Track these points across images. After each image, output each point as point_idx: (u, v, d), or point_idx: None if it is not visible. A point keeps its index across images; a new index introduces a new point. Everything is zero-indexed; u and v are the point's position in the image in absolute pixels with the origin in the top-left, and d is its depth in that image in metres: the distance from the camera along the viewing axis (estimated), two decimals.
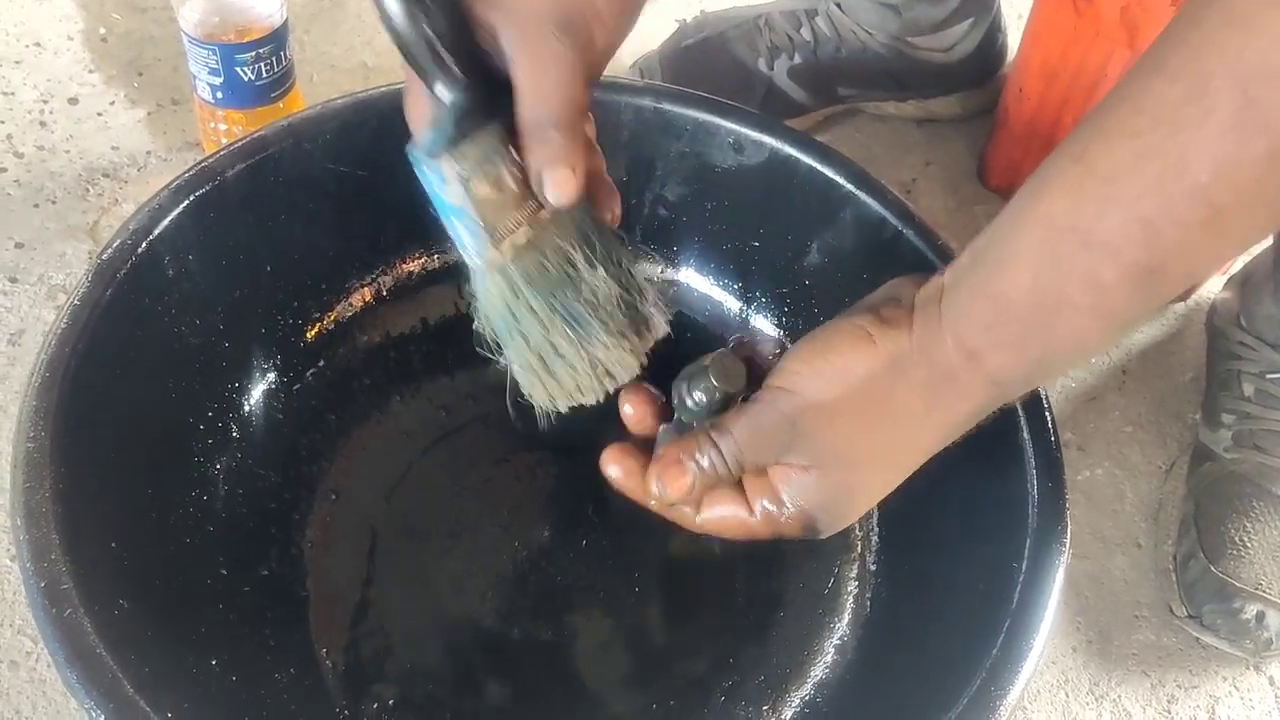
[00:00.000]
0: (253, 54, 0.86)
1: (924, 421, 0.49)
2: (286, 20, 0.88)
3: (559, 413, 0.54)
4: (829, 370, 0.49)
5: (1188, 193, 0.40)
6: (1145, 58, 0.42)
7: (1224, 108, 0.39)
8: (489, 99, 0.49)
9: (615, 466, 0.55)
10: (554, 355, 0.52)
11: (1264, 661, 0.80)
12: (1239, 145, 0.39)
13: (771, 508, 0.53)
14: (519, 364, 0.53)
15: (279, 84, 0.90)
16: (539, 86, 0.49)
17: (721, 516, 0.54)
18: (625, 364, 0.53)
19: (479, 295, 0.52)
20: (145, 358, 0.64)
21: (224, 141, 0.89)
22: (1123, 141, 0.42)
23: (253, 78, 0.87)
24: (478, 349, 0.53)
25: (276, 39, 0.87)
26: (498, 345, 0.53)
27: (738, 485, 0.54)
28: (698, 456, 0.52)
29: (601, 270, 0.51)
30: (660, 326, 0.54)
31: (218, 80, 0.87)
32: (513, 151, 0.49)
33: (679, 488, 0.52)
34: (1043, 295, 0.45)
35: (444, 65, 0.48)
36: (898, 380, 0.49)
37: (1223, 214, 0.40)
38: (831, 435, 0.50)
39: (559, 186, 0.49)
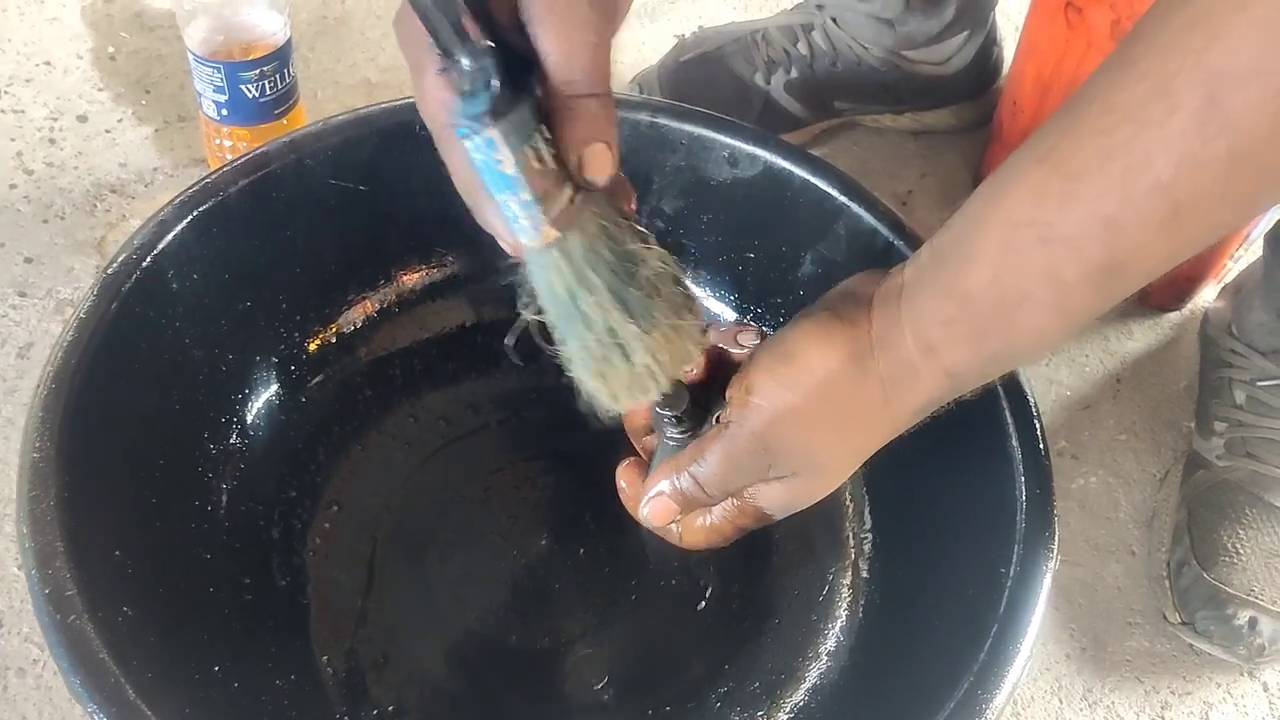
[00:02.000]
0: (257, 71, 0.88)
1: (883, 413, 0.50)
2: (290, 38, 0.89)
3: (616, 412, 0.51)
4: (791, 377, 0.50)
5: (1149, 191, 0.40)
6: (1113, 56, 0.42)
7: (1186, 107, 0.39)
8: (510, 73, 0.44)
9: (625, 481, 0.59)
10: (620, 339, 0.48)
11: (1257, 668, 0.81)
12: (1201, 144, 0.39)
13: (731, 510, 0.55)
14: (580, 352, 0.48)
15: (283, 101, 0.91)
16: (573, 56, 0.45)
17: (694, 530, 0.57)
18: (690, 347, 0.51)
19: (534, 276, 0.48)
20: (149, 369, 0.65)
21: (228, 158, 0.91)
22: (1090, 140, 0.42)
23: (257, 95, 0.89)
24: (512, 345, 0.51)
25: (280, 56, 0.89)
26: (547, 335, 0.49)
27: None
28: (681, 486, 0.54)
29: (657, 249, 0.49)
30: (701, 311, 0.52)
31: (222, 97, 0.89)
32: (543, 128, 0.44)
33: (663, 519, 0.56)
34: (1003, 291, 0.45)
35: (466, 33, 0.43)
36: (858, 377, 0.49)
37: (1183, 213, 0.41)
38: (801, 442, 0.51)
39: (598, 162, 0.45)
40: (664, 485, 0.55)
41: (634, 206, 0.51)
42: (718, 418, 0.53)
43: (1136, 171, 0.41)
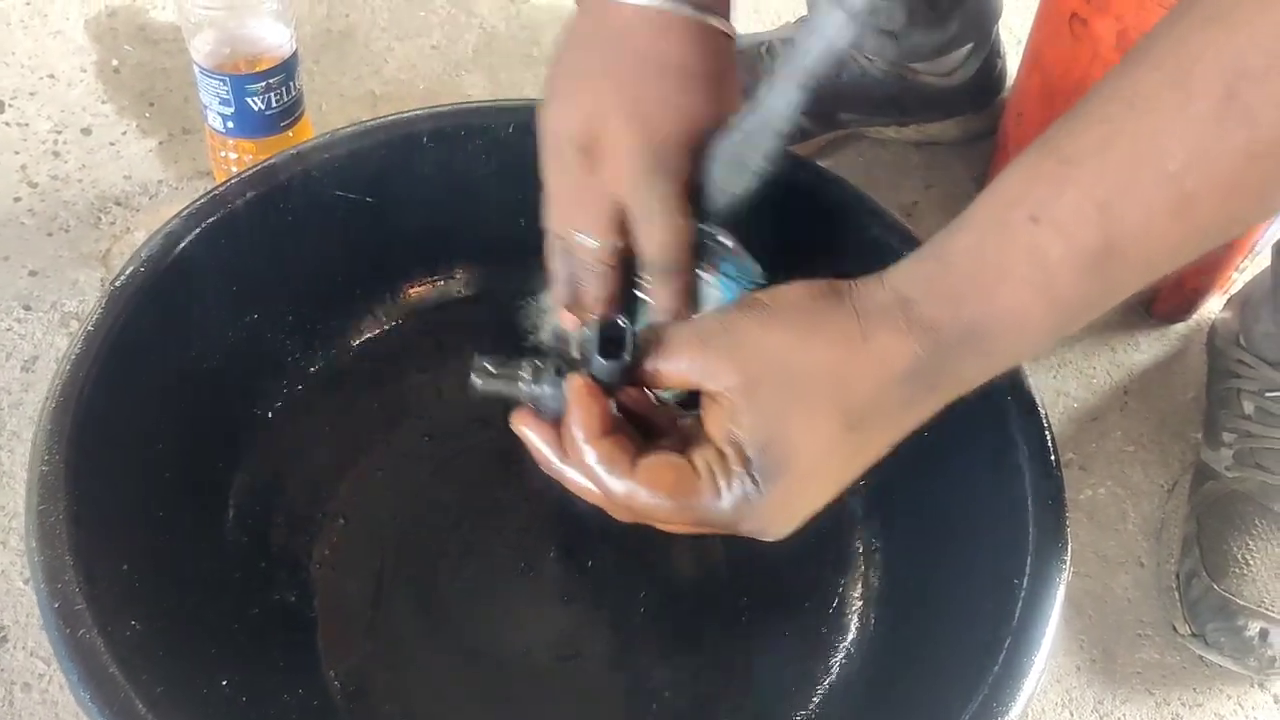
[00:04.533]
0: (263, 84, 0.88)
1: (862, 350, 0.46)
2: (296, 51, 0.89)
3: None
4: (774, 293, 0.48)
5: (1156, 177, 0.40)
6: (1128, 55, 0.42)
7: (1206, 97, 0.39)
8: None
9: (530, 430, 0.52)
10: None
11: (1268, 679, 0.80)
12: (1219, 135, 0.39)
13: (716, 460, 0.47)
14: None
15: (288, 113, 0.91)
16: (653, 239, 0.56)
17: (656, 467, 0.48)
18: None
19: None
20: (157, 382, 0.65)
21: (234, 170, 0.91)
22: (1092, 126, 0.42)
23: (263, 107, 0.89)
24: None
25: (286, 69, 0.89)
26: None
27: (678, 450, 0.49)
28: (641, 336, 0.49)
29: None
30: None
31: (228, 110, 0.89)
32: None
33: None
34: (985, 260, 0.44)
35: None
36: (832, 305, 0.47)
37: (1193, 203, 0.40)
38: (764, 338, 0.47)
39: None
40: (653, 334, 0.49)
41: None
42: None
43: (1145, 157, 0.40)
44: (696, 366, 0.48)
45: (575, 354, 0.51)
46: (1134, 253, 0.42)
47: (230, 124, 0.90)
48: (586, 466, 0.49)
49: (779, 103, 0.56)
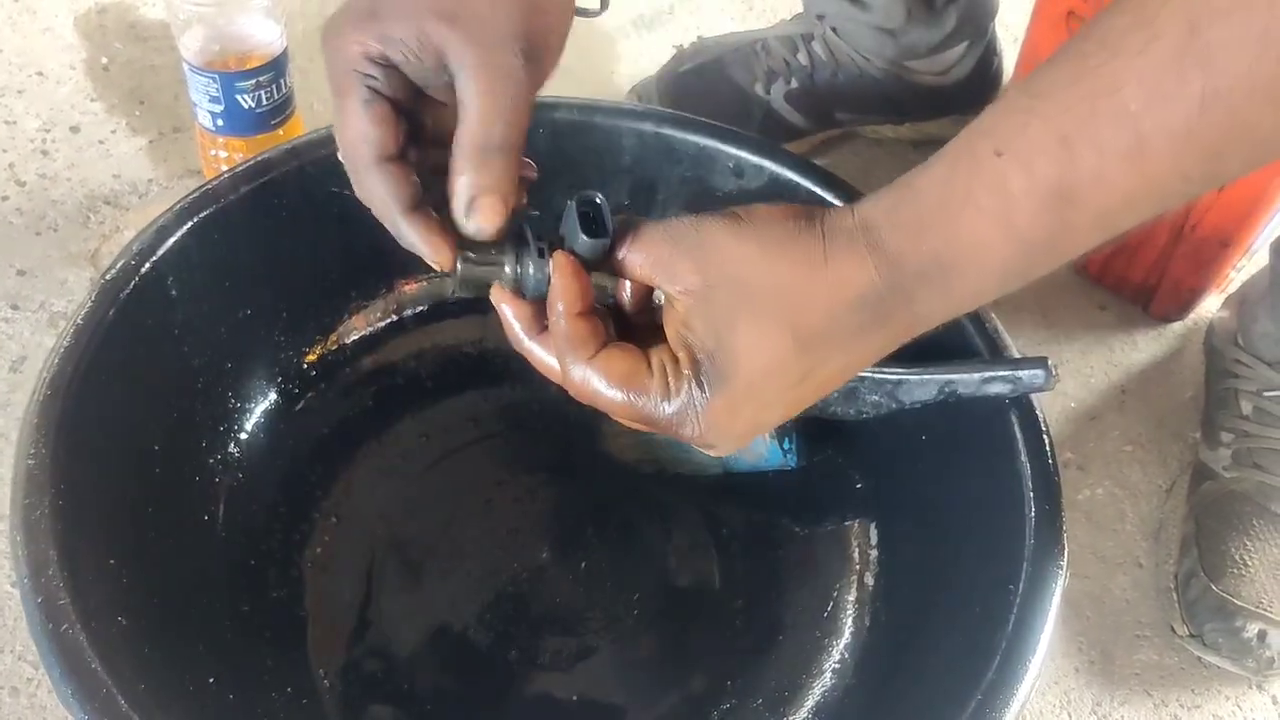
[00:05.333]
0: (253, 82, 0.87)
1: (821, 272, 0.46)
2: (286, 48, 0.88)
3: None
4: (745, 210, 0.48)
5: (1113, 116, 0.40)
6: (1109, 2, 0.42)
7: (1168, 37, 0.39)
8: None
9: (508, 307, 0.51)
10: None
11: (1266, 680, 0.80)
12: (1177, 79, 0.39)
13: (667, 359, 0.48)
14: None
15: (279, 111, 0.90)
16: (493, 108, 0.48)
17: (614, 368, 0.49)
18: None
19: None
20: (147, 377, 0.65)
21: (224, 169, 0.90)
22: (1062, 63, 0.42)
23: (253, 105, 0.88)
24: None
25: (276, 66, 0.88)
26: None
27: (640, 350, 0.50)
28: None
29: None
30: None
31: (218, 108, 0.88)
32: None
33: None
34: (949, 190, 0.44)
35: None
36: (801, 227, 0.47)
37: (1146, 148, 0.40)
38: (727, 244, 0.47)
39: (485, 215, 0.49)
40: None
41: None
42: None
43: (1104, 94, 0.40)
44: (661, 263, 0.48)
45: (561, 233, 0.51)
46: (1088, 196, 0.42)
47: (220, 122, 0.89)
48: (555, 342, 0.50)
49: (916, 390, 0.59)
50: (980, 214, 0.44)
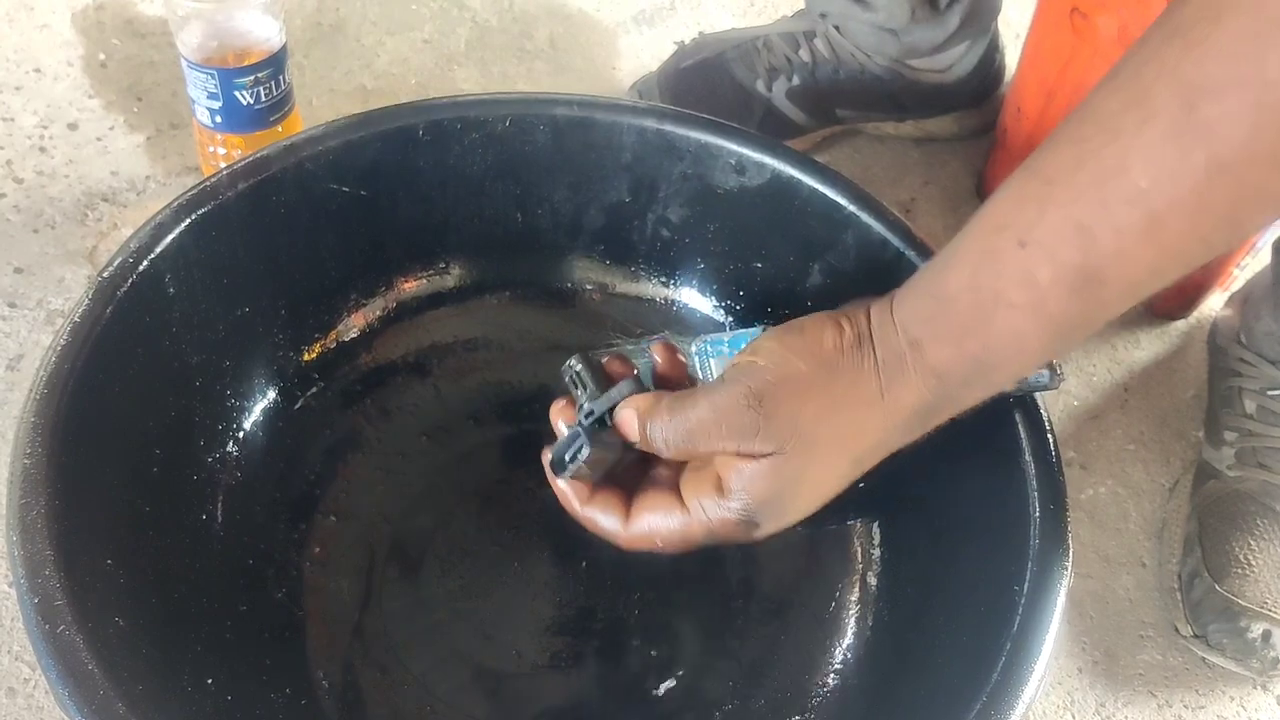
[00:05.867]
0: (251, 78, 0.86)
1: (877, 405, 0.49)
2: (285, 44, 0.88)
3: None
4: (799, 345, 0.50)
5: (1125, 198, 0.40)
6: (1103, 80, 0.43)
7: (1163, 116, 0.39)
8: None
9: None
10: None
11: (1271, 681, 0.80)
12: (1178, 154, 0.39)
13: (710, 503, 0.52)
14: None
15: (278, 108, 0.90)
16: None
17: (653, 524, 0.54)
18: None
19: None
20: (145, 375, 0.64)
21: (222, 166, 0.89)
22: (1067, 147, 0.42)
23: (251, 101, 0.88)
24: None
25: (275, 63, 0.87)
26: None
27: (672, 487, 0.54)
28: (649, 424, 0.52)
29: None
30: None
31: (216, 104, 0.87)
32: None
33: (631, 434, 0.53)
34: (980, 292, 0.45)
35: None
36: (858, 361, 0.49)
37: (1161, 223, 0.40)
38: (799, 412, 0.49)
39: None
40: (634, 414, 0.53)
41: None
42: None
43: (1112, 178, 0.41)
44: (732, 439, 0.50)
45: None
46: (1113, 274, 0.43)
47: (218, 119, 0.89)
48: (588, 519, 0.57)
49: None
50: (1014, 310, 0.45)
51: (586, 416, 0.56)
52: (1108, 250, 0.42)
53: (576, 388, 0.58)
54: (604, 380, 0.58)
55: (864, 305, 0.51)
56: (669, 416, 0.51)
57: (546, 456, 0.58)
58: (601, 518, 0.55)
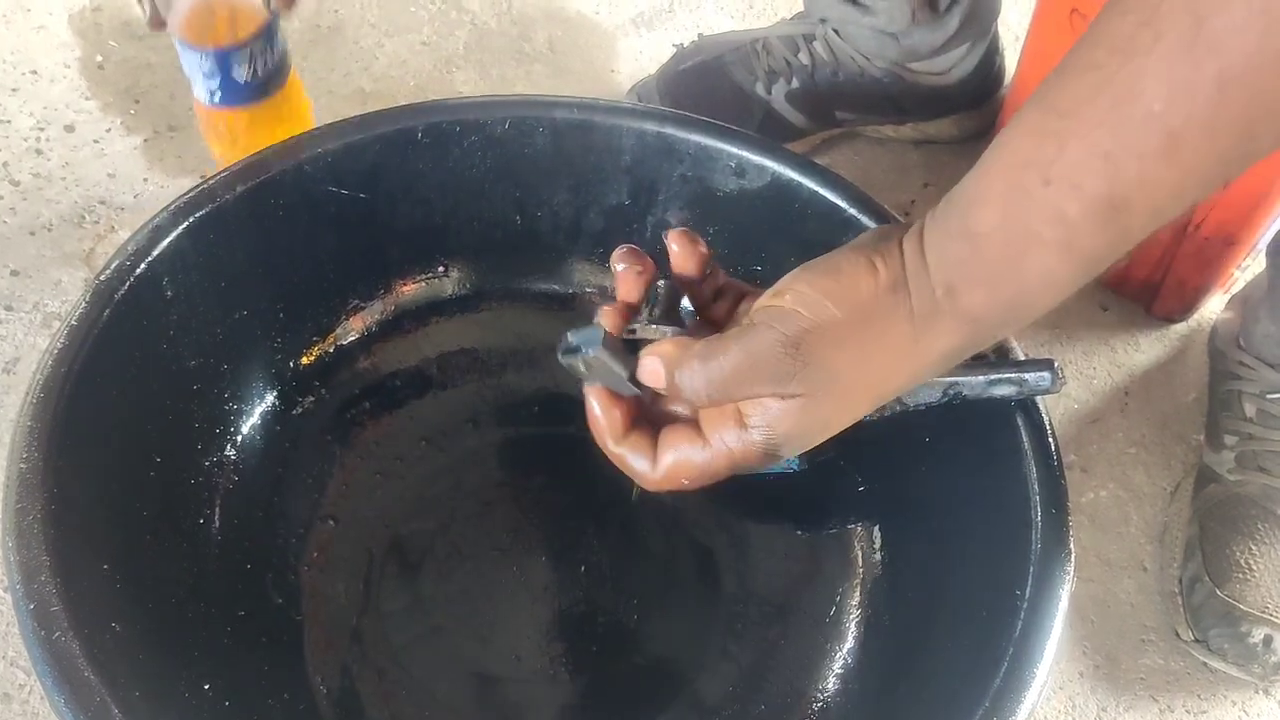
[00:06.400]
0: (246, 51, 0.85)
1: (910, 352, 0.49)
2: (276, 13, 0.87)
3: None
4: (835, 290, 0.48)
5: (1142, 121, 0.40)
6: (1108, 3, 0.42)
7: (1173, 31, 0.39)
8: None
9: (595, 400, 0.55)
10: None
11: (1273, 686, 0.79)
12: (1190, 69, 0.39)
13: (732, 437, 0.51)
14: None
15: (275, 77, 0.89)
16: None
17: (678, 462, 0.53)
18: None
19: None
20: (142, 379, 0.64)
21: (233, 139, 0.90)
22: (1079, 75, 0.42)
23: (249, 76, 0.87)
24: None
25: (267, 33, 0.86)
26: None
27: (690, 423, 0.53)
28: (681, 371, 0.51)
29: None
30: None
31: (214, 83, 0.87)
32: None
33: (654, 381, 0.52)
34: (1011, 233, 0.45)
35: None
36: (893, 307, 0.48)
37: (1180, 142, 0.40)
38: (835, 359, 0.49)
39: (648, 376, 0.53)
40: (660, 362, 0.51)
41: None
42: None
43: (1128, 102, 0.40)
44: (767, 385, 0.50)
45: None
46: (1139, 200, 0.43)
47: (217, 96, 0.88)
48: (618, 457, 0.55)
49: (921, 392, 0.59)
50: (1046, 249, 0.44)
51: (629, 331, 0.55)
52: (1131, 177, 0.42)
53: (649, 305, 0.56)
54: (675, 315, 0.56)
55: (895, 237, 0.50)
56: (700, 365, 0.50)
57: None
58: (632, 458, 0.54)
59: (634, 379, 0.53)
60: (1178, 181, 0.42)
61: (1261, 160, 0.42)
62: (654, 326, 0.54)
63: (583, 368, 0.53)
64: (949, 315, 0.48)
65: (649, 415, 0.55)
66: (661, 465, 0.53)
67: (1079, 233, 0.43)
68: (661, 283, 0.57)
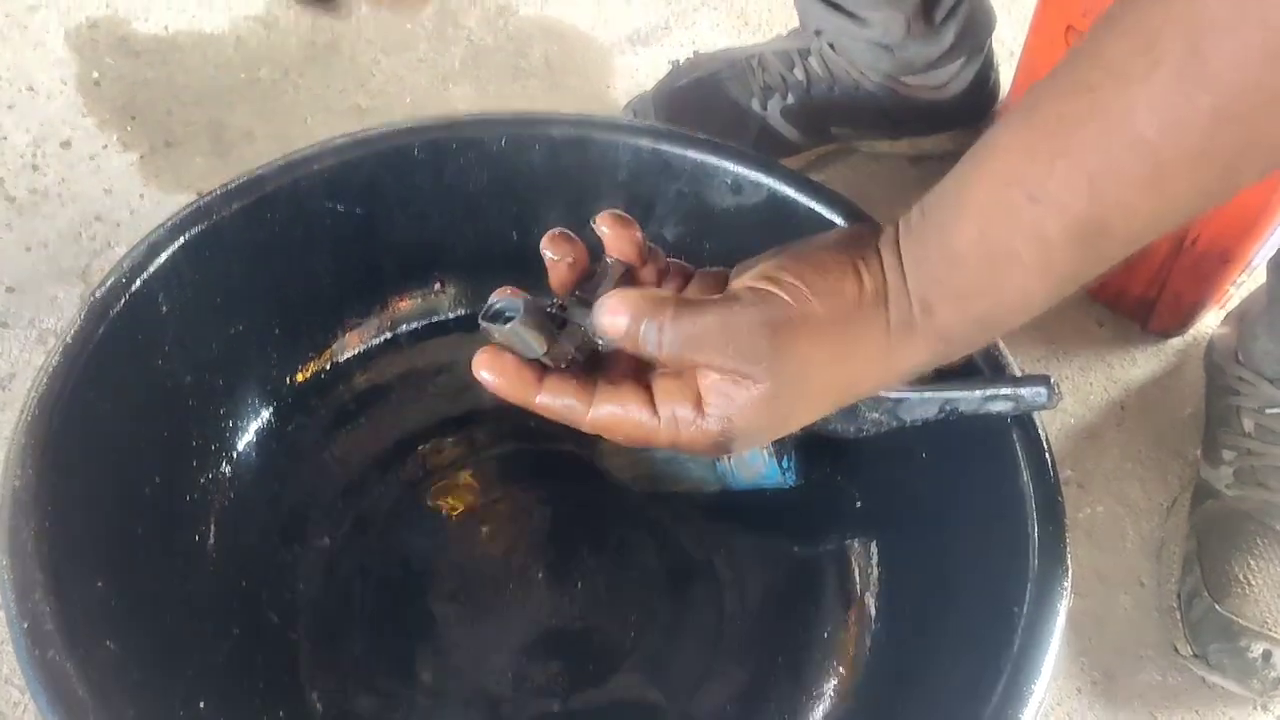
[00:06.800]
0: None
1: (881, 362, 0.49)
2: None
3: None
4: (822, 287, 0.48)
5: (1132, 148, 0.40)
6: (1101, 19, 0.42)
7: (1170, 61, 0.39)
8: None
9: (487, 370, 0.52)
10: None
11: (1271, 701, 0.79)
12: (1185, 100, 0.39)
13: (686, 416, 0.49)
14: None
15: None
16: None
17: (617, 417, 0.50)
18: None
19: None
20: (138, 395, 0.63)
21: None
22: (1073, 95, 0.42)
23: None
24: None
25: None
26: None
27: (637, 380, 0.51)
28: (643, 324, 0.48)
29: None
30: None
31: None
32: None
33: (615, 328, 0.48)
34: (990, 249, 0.44)
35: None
36: (874, 318, 0.48)
37: (1166, 172, 0.40)
38: (809, 355, 0.48)
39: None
40: (627, 308, 0.48)
41: None
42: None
43: (1120, 127, 0.40)
44: (734, 360, 0.48)
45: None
46: (1117, 225, 0.43)
47: None
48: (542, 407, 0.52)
49: (917, 408, 0.59)
50: (1023, 268, 0.44)
51: (566, 299, 0.52)
52: (1113, 201, 0.42)
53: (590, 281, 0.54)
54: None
55: (870, 243, 0.49)
56: (671, 319, 0.48)
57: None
58: (555, 401, 0.51)
59: (549, 355, 0.51)
60: (1158, 209, 0.42)
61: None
62: (582, 309, 0.52)
63: (496, 335, 0.51)
64: (922, 333, 0.48)
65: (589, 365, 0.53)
66: (600, 411, 0.50)
67: (1057, 253, 0.44)
68: (612, 259, 0.54)
